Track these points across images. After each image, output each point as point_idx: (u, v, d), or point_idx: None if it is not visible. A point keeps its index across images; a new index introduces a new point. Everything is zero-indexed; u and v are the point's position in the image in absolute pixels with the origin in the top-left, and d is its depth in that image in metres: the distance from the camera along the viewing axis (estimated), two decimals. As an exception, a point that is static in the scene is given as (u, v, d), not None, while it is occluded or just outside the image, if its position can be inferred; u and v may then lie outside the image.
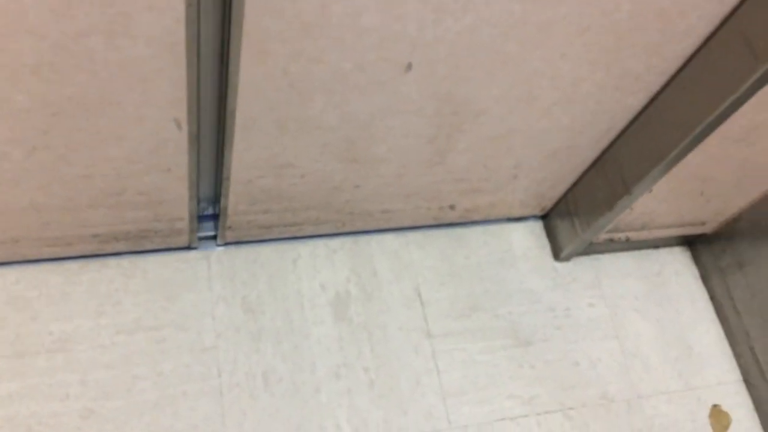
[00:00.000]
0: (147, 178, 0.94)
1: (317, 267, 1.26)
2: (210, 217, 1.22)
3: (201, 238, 1.22)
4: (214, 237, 1.23)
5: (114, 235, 1.09)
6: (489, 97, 0.93)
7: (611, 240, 1.33)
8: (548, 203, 1.35)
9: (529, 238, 1.38)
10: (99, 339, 1.11)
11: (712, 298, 1.40)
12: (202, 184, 1.11)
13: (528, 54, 0.85)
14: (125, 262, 1.18)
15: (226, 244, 1.22)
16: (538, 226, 1.40)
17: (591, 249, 1.35)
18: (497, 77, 0.89)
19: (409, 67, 0.82)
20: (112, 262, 1.18)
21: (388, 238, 1.31)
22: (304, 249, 1.27)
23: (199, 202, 1.17)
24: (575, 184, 1.27)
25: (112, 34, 0.66)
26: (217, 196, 1.15)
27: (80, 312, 1.13)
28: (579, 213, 1.27)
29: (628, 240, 1.34)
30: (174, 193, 0.99)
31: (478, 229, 1.37)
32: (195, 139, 0.87)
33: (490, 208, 1.30)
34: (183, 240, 1.16)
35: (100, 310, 1.13)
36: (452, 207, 1.24)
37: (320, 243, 1.28)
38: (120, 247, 1.14)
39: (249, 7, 0.67)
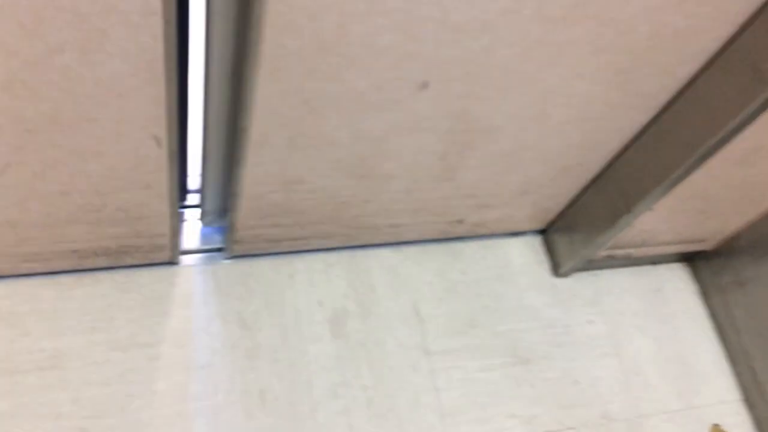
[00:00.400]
0: (126, 194, 0.93)
1: (314, 282, 1.24)
2: (216, 231, 1.21)
3: (207, 251, 1.22)
4: (220, 250, 1.22)
5: (93, 251, 1.08)
6: (502, 115, 0.93)
7: (611, 256, 1.32)
8: (548, 218, 1.34)
9: (527, 253, 1.37)
10: (92, 356, 1.09)
11: (712, 315, 1.39)
12: (209, 197, 1.10)
13: (544, 73, 0.85)
14: (120, 276, 1.16)
15: (233, 257, 1.21)
16: (536, 241, 1.39)
17: (590, 265, 1.35)
18: (511, 96, 0.89)
19: (425, 85, 0.82)
20: (105, 276, 1.16)
21: (386, 252, 1.30)
22: (300, 263, 1.25)
23: (205, 215, 1.17)
24: (575, 200, 1.26)
25: (86, 50, 0.65)
26: (224, 210, 1.14)
27: (73, 328, 1.10)
28: (578, 229, 1.26)
29: (628, 256, 1.33)
30: (154, 209, 0.98)
31: (475, 244, 1.35)
32: (175, 156, 0.87)
33: (498, 223, 1.29)
34: (165, 256, 1.15)
35: (93, 326, 1.11)
36: (460, 222, 1.24)
37: (317, 257, 1.26)
38: (100, 262, 1.12)
39: (268, 26, 0.66)
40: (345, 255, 1.28)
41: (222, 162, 1.01)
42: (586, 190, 1.21)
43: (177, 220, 1.04)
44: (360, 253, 1.29)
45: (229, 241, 1.16)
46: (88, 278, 1.15)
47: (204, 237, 1.21)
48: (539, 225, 1.36)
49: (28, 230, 0.98)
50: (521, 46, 0.79)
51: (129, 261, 1.12)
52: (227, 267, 1.21)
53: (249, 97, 0.77)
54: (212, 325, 1.16)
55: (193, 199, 1.25)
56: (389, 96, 0.83)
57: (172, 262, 1.18)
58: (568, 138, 1.02)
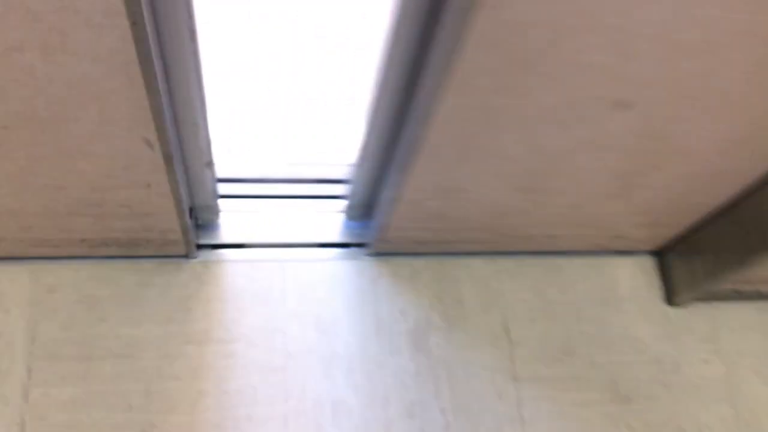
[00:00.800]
0: (125, 192, 0.92)
1: (399, 289, 1.16)
2: (359, 226, 1.19)
3: (350, 245, 1.18)
4: (361, 245, 1.18)
5: (103, 241, 1.06)
6: (701, 138, 0.85)
7: (736, 291, 1.15)
8: (666, 238, 1.19)
9: (637, 275, 1.23)
10: (167, 348, 1.06)
11: None
12: (358, 194, 1.11)
13: (765, 97, 0.77)
14: (200, 266, 1.12)
15: (378, 254, 1.17)
16: (648, 263, 1.24)
17: (710, 296, 1.19)
18: (719, 119, 0.81)
19: (622, 104, 0.77)
20: (187, 266, 1.12)
21: (477, 263, 1.20)
22: (386, 268, 1.17)
23: (351, 210, 1.17)
24: (701, 224, 1.10)
25: (47, 50, 0.64)
26: (369, 207, 1.13)
27: (150, 317, 1.08)
28: (703, 257, 1.11)
29: (756, 292, 1.16)
30: (159, 207, 0.96)
31: (577, 261, 1.22)
32: (171, 159, 0.84)
33: (660, 239, 1.19)
34: (179, 249, 1.11)
35: (170, 317, 1.09)
36: (621, 237, 1.16)
37: (403, 262, 1.18)
38: (112, 251, 1.09)
39: (471, 43, 0.64)
40: (433, 262, 1.18)
41: (378, 164, 1.01)
42: (718, 216, 1.06)
43: (185, 218, 1.01)
44: (449, 261, 1.19)
45: (378, 240, 1.12)
46: (169, 265, 1.12)
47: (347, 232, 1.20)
48: (654, 245, 1.21)
49: (29, 219, 0.97)
50: (746, 69, 0.72)
51: (142, 252, 1.10)
52: (307, 266, 1.15)
53: (430, 109, 0.75)
54: (289, 325, 1.11)
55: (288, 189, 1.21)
56: (580, 114, 0.79)
57: (189, 256, 1.13)
58: (764, 162, 0.92)
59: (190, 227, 1.04)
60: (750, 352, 1.20)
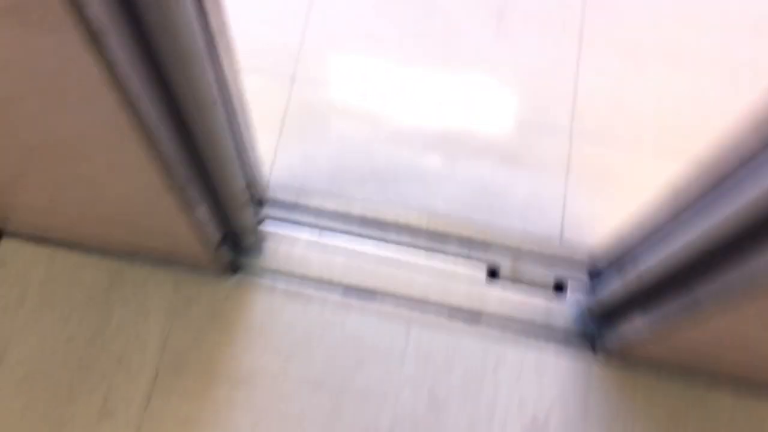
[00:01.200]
0: (150, 220, 0.94)
1: (521, 378, 1.10)
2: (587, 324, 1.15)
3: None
4: (591, 346, 1.15)
5: (142, 247, 1.10)
6: None
7: None
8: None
9: (792, 425, 1.09)
10: (282, 385, 1.08)
11: None
12: (605, 307, 1.09)
13: None
14: (328, 313, 1.13)
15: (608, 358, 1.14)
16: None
17: None
18: None
19: None
20: (316, 307, 1.13)
21: (611, 368, 1.11)
22: (512, 352, 1.12)
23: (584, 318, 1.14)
24: None
25: (44, 106, 0.66)
26: (613, 321, 1.09)
27: (273, 349, 1.10)
28: None
29: None
30: (184, 235, 0.96)
31: (728, 398, 1.10)
32: (188, 205, 0.84)
33: None
34: (213, 270, 1.13)
35: (291, 354, 1.10)
36: None
37: (531, 351, 1.12)
38: (155, 256, 1.13)
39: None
40: (566, 357, 1.12)
41: (647, 289, 0.97)
42: None
43: (212, 249, 1.02)
44: (585, 358, 1.11)
45: (617, 353, 1.10)
46: (300, 301, 1.13)
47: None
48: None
49: (68, 218, 1.02)
50: None
51: (178, 262, 1.13)
52: (428, 333, 1.12)
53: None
54: (402, 390, 1.08)
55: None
56: None
57: (217, 274, 1.15)
58: None
59: (221, 257, 1.07)
60: None
